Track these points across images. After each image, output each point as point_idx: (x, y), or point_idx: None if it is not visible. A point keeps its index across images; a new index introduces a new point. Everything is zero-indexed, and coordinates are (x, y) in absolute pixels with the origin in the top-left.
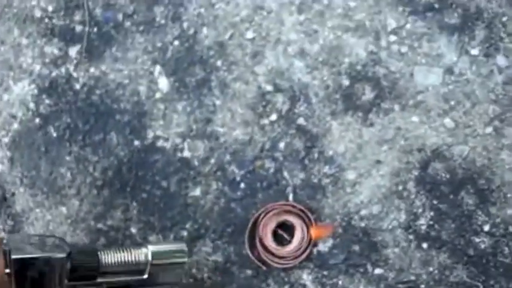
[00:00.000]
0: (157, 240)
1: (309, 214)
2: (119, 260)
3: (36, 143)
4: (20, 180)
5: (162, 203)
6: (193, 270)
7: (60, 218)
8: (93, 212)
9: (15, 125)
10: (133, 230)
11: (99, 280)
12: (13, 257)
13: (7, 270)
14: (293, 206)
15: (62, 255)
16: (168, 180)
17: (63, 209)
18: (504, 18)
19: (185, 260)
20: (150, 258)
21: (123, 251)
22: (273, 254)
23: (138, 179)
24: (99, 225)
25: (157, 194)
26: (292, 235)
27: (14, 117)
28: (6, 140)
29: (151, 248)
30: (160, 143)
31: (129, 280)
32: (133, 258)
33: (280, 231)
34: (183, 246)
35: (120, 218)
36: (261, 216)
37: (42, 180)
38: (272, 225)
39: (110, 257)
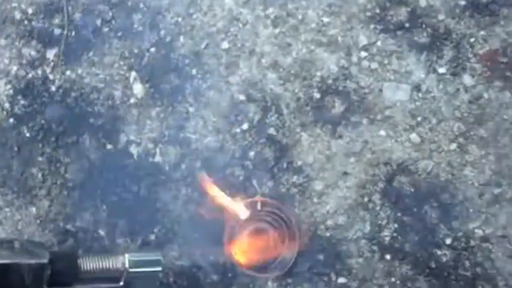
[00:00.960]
0: (125, 244)
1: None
2: (97, 266)
3: (9, 142)
4: None
5: (131, 206)
6: (160, 275)
7: (30, 218)
8: (62, 213)
9: None
10: (101, 232)
11: (77, 286)
12: None
13: None
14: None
15: (43, 261)
16: (139, 184)
17: (33, 209)
18: (472, 39)
19: (160, 269)
20: (127, 266)
21: (101, 258)
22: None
23: (109, 182)
24: (68, 226)
25: (127, 197)
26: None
27: None
28: None
29: (128, 256)
30: (132, 148)
31: (104, 287)
32: (110, 266)
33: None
34: (158, 256)
35: (90, 220)
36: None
37: (14, 179)
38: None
39: (89, 264)
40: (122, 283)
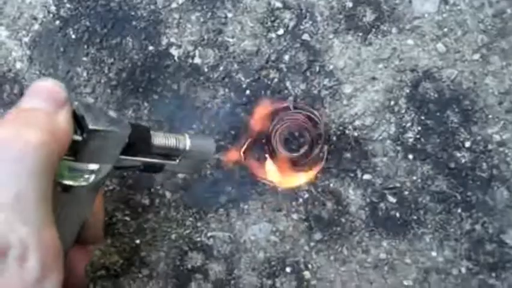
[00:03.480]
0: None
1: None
2: (164, 143)
3: (55, 43)
4: (38, 78)
5: (171, 104)
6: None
7: None
8: (106, 108)
9: (36, 26)
10: None
11: (138, 158)
12: (90, 127)
13: (76, 137)
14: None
15: (128, 132)
16: (179, 84)
17: None
18: None
19: (212, 153)
20: (188, 146)
21: (167, 136)
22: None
23: (150, 82)
24: None
25: (167, 96)
26: (300, 145)
27: (35, 19)
28: (26, 39)
29: (188, 137)
30: (173, 50)
31: (162, 163)
32: (174, 144)
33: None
34: (212, 141)
35: (132, 116)
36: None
37: (60, 78)
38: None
39: (159, 139)
40: (178, 161)
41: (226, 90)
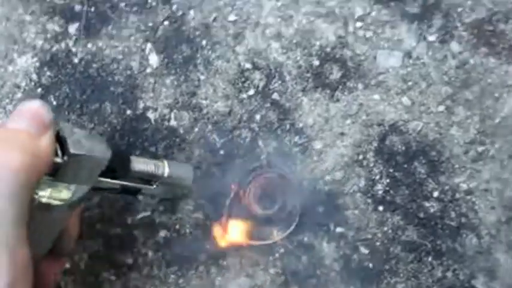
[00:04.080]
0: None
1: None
2: (142, 168)
3: None
4: None
5: None
6: (177, 226)
7: None
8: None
9: (19, 94)
10: None
11: (117, 181)
12: (72, 151)
13: (57, 159)
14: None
15: (108, 156)
16: (156, 146)
17: None
18: (459, 9)
19: (190, 183)
20: (165, 174)
21: (146, 162)
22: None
23: (130, 145)
24: None
25: (146, 157)
26: (274, 201)
27: (18, 87)
28: (10, 107)
29: (167, 163)
30: (149, 113)
31: (139, 187)
32: (152, 170)
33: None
34: (190, 170)
35: None
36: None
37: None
38: (257, 191)
39: (137, 165)
40: (154, 186)
41: (202, 150)
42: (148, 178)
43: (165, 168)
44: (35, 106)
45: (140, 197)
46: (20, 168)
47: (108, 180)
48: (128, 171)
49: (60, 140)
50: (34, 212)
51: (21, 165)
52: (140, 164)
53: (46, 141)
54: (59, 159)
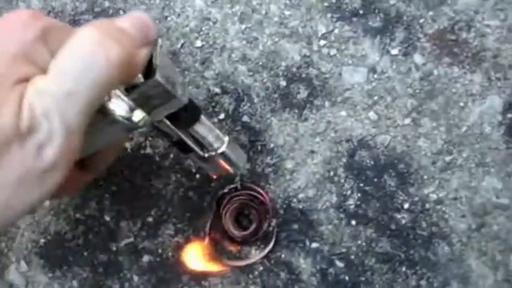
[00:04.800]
0: (128, 227)
1: (262, 198)
2: (203, 133)
3: None
4: None
5: (130, 194)
6: (159, 250)
7: (44, 210)
8: (72, 204)
9: None
10: (107, 218)
11: (176, 129)
12: (157, 78)
13: (139, 80)
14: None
15: (182, 103)
16: (134, 174)
17: (47, 202)
18: (421, 20)
19: (237, 171)
20: (219, 150)
21: (211, 129)
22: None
23: (109, 174)
24: (78, 215)
25: (125, 186)
26: (250, 222)
27: None
28: None
29: (226, 142)
30: (126, 142)
31: (192, 147)
32: (211, 140)
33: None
34: (245, 160)
35: (95, 208)
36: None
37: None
38: (234, 213)
39: (201, 126)
40: (206, 155)
41: (178, 175)
42: (204, 144)
43: (223, 145)
44: (147, 18)
45: (189, 158)
46: (115, 61)
47: (170, 124)
48: (191, 127)
49: (150, 62)
50: (96, 114)
51: (117, 60)
52: (203, 128)
53: (143, 55)
54: (141, 79)
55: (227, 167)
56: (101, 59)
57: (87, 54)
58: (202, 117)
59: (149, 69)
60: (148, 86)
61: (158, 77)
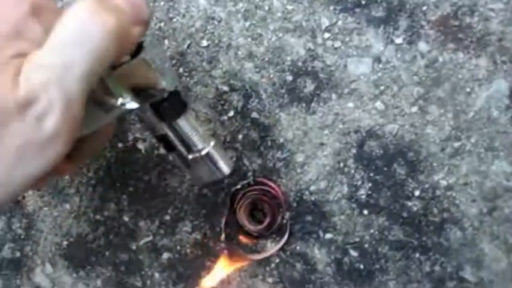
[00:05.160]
0: (146, 226)
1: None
2: (185, 129)
3: None
4: None
5: (146, 194)
6: (178, 247)
7: (65, 213)
8: (91, 206)
9: None
10: (126, 219)
11: (158, 118)
12: (143, 56)
13: (126, 57)
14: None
15: (170, 89)
16: (150, 174)
17: (67, 206)
18: (424, 8)
19: (222, 176)
20: (203, 152)
21: (195, 128)
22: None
23: (125, 176)
24: (98, 217)
25: (141, 186)
26: (264, 216)
27: None
28: None
29: (212, 146)
30: (139, 144)
31: (175, 145)
32: (194, 139)
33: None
34: (231, 164)
35: (114, 209)
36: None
37: (47, 183)
38: (248, 208)
39: (184, 122)
40: (190, 157)
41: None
42: (188, 143)
43: (208, 147)
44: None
45: (172, 156)
46: (111, 32)
47: (154, 116)
48: (175, 121)
49: (139, 47)
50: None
51: (113, 31)
52: (188, 125)
53: (136, 33)
54: (127, 57)
55: (211, 171)
56: (97, 29)
57: (84, 24)
58: (189, 115)
59: (138, 53)
60: (133, 64)
61: (144, 55)
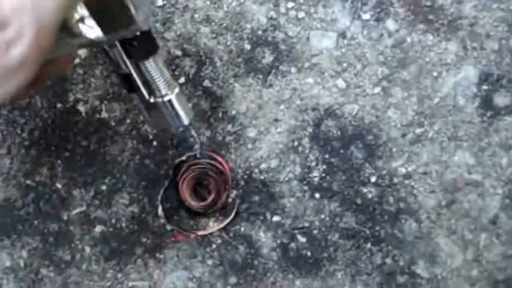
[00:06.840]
0: (80, 195)
1: (221, 167)
2: (152, 72)
3: None
4: None
5: (83, 160)
6: (113, 220)
7: None
8: (22, 169)
9: None
10: (58, 185)
11: (125, 58)
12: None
13: None
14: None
15: (141, 28)
16: (88, 139)
17: None
18: None
19: (185, 124)
20: (166, 98)
21: (163, 71)
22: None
23: (62, 139)
24: (28, 182)
25: (78, 152)
26: (209, 192)
27: None
28: None
29: (176, 93)
30: (80, 106)
31: (138, 85)
32: (160, 83)
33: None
34: (191, 113)
35: (47, 174)
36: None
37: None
38: (191, 182)
39: (152, 63)
40: (152, 100)
41: (134, 142)
42: (152, 86)
43: (172, 93)
44: None
45: (134, 97)
46: None
47: (122, 52)
48: (142, 61)
49: None
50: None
51: None
52: (155, 69)
53: None
54: None
55: (170, 118)
56: None
57: None
58: (158, 59)
59: None
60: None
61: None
